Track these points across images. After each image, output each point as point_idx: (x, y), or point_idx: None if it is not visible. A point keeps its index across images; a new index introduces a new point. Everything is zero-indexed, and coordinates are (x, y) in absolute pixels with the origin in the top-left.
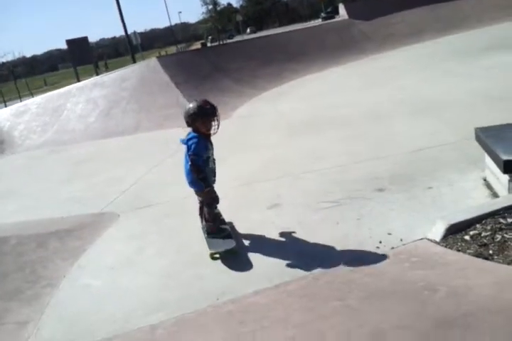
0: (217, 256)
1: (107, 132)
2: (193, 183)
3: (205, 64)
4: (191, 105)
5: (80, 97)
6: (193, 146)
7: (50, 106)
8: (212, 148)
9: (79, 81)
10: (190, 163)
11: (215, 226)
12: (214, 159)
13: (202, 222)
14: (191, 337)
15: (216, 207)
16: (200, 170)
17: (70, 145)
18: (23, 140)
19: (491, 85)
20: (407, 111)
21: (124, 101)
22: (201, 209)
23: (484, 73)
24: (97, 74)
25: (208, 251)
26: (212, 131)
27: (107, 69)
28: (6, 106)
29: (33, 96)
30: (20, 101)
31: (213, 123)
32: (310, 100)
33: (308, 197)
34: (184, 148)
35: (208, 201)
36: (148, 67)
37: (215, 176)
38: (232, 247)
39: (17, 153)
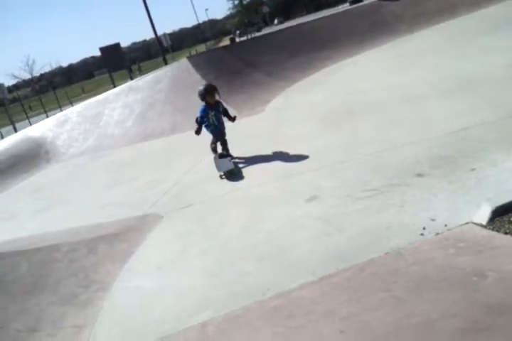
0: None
1: (144, 135)
2: (222, 126)
3: (235, 60)
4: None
5: (117, 103)
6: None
7: (89, 114)
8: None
9: (114, 86)
10: (227, 116)
11: None
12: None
13: (228, 153)
14: (242, 333)
15: None
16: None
17: (111, 150)
18: (67, 148)
19: None
20: (444, 91)
21: (159, 103)
22: (224, 144)
23: None
24: (132, 79)
25: None
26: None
27: (141, 72)
28: (47, 116)
29: (72, 105)
30: (61, 110)
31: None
32: (343, 87)
33: (347, 187)
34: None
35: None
36: (179, 68)
37: None
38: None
39: (62, 162)
